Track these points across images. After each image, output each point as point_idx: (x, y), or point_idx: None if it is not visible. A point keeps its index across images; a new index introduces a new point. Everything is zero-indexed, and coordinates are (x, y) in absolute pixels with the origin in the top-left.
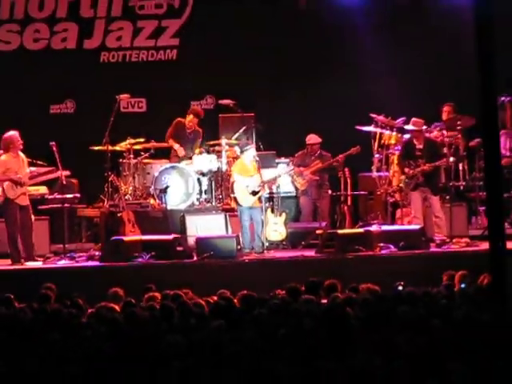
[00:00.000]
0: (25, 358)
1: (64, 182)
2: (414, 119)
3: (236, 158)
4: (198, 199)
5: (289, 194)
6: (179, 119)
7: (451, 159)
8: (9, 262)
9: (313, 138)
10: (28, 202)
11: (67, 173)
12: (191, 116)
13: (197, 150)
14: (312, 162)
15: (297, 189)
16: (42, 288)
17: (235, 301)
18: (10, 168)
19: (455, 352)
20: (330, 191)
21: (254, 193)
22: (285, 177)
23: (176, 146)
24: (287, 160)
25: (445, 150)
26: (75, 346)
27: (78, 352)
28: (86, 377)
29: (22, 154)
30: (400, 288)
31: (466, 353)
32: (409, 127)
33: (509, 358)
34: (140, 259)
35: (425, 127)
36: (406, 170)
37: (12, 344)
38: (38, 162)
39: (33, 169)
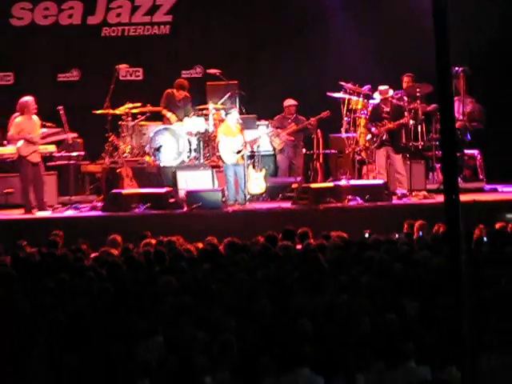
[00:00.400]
0: (39, 293)
1: (70, 142)
2: (380, 87)
3: (222, 120)
4: (188, 157)
5: (268, 153)
6: (168, 90)
7: (411, 122)
8: (22, 211)
9: (290, 101)
10: (39, 160)
11: (74, 135)
12: (179, 90)
13: (190, 114)
14: (288, 124)
15: (274, 148)
16: (51, 235)
17: (221, 247)
18: (24, 129)
19: (409, 290)
20: (304, 150)
21: (238, 151)
22: (264, 137)
23: (168, 115)
24: (266, 122)
25: (405, 114)
26: (80, 284)
27: (83, 289)
28: (91, 311)
29: (35, 117)
30: (366, 235)
31: (417, 291)
32: (377, 95)
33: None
34: (137, 209)
35: (391, 92)
36: (373, 129)
37: (28, 283)
38: (48, 124)
39: (44, 130)
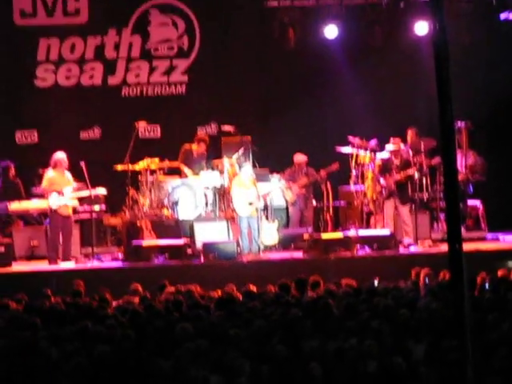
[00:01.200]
0: (63, 341)
1: (92, 197)
2: (392, 139)
3: (236, 174)
4: (204, 210)
5: (280, 205)
6: (185, 146)
7: (416, 174)
8: (46, 262)
9: (300, 157)
10: (69, 213)
11: (103, 191)
12: (201, 144)
13: (204, 169)
14: (299, 177)
15: (286, 200)
16: (74, 285)
17: (238, 295)
18: (55, 183)
19: (415, 334)
20: (314, 202)
21: (251, 204)
22: (277, 190)
23: (185, 169)
24: (278, 176)
25: (412, 166)
26: (103, 331)
27: (105, 336)
28: (113, 357)
29: (67, 173)
30: (376, 283)
31: (423, 334)
32: (390, 146)
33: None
34: (156, 260)
35: (402, 146)
36: (382, 181)
37: (53, 331)
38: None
39: (74, 185)
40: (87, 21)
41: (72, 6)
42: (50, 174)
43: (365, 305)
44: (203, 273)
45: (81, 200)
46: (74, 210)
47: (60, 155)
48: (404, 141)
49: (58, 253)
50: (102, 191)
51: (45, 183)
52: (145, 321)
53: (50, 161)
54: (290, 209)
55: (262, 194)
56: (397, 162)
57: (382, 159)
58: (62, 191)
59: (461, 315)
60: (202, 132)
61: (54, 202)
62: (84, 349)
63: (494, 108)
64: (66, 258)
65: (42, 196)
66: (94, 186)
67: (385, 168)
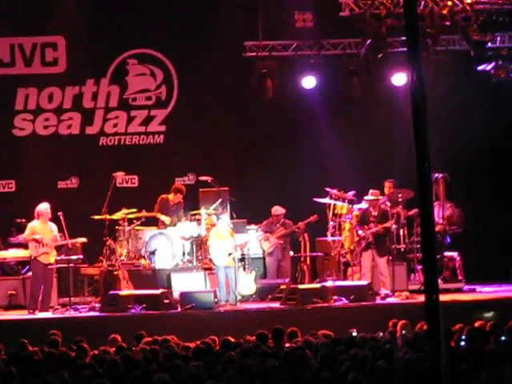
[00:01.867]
0: None
1: (70, 247)
2: (371, 191)
3: (213, 225)
4: (181, 260)
5: (257, 256)
6: (162, 196)
7: (393, 226)
8: (24, 312)
9: (278, 210)
10: (51, 261)
11: (84, 240)
12: (177, 194)
13: (182, 219)
14: (277, 228)
15: (264, 251)
16: (51, 334)
17: (215, 344)
18: (36, 232)
19: None
20: (291, 253)
21: (229, 254)
22: (254, 241)
23: (162, 218)
24: (256, 227)
25: (390, 218)
26: (80, 381)
27: None
28: None
29: (50, 223)
30: (354, 334)
31: None
32: (369, 197)
33: None
34: (133, 310)
35: (381, 198)
36: (360, 232)
37: (30, 381)
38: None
39: (57, 235)
40: (65, 70)
41: (50, 56)
42: (33, 223)
43: (342, 355)
44: (180, 322)
45: (58, 250)
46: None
47: (43, 206)
48: (382, 193)
49: (38, 302)
50: (82, 240)
51: (27, 232)
52: (122, 371)
53: (34, 211)
54: (267, 259)
55: (240, 245)
56: (375, 213)
57: (359, 209)
58: (42, 240)
59: (438, 366)
60: (179, 182)
61: (33, 249)
62: None
63: (471, 160)
64: (44, 307)
65: (20, 245)
66: (71, 235)
67: (363, 219)
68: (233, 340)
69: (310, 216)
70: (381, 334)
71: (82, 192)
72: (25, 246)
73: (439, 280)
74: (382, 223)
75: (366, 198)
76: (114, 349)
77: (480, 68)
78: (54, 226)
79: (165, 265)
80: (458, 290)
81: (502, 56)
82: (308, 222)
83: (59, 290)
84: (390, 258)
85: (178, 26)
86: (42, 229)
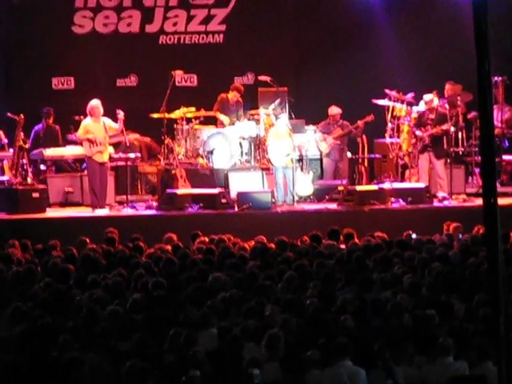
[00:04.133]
0: (98, 287)
1: (128, 144)
2: (425, 96)
3: (272, 125)
4: (239, 159)
5: (315, 157)
6: (222, 95)
7: (452, 129)
8: (80, 209)
9: (334, 110)
10: (105, 160)
11: (136, 135)
12: (234, 92)
13: (241, 119)
14: (334, 129)
15: (321, 152)
16: (108, 232)
17: (271, 244)
18: (89, 131)
19: (449, 288)
20: (349, 154)
21: (287, 154)
22: (312, 142)
23: (222, 117)
24: (314, 127)
25: (448, 121)
26: (136, 279)
27: (138, 284)
28: (146, 303)
29: (103, 119)
30: (413, 236)
31: (456, 289)
32: (427, 97)
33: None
34: (190, 209)
35: (436, 101)
36: (418, 132)
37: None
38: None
39: (110, 132)
40: None
41: None
42: (86, 121)
43: (398, 258)
44: (237, 222)
45: (116, 147)
46: (110, 157)
47: (94, 102)
48: (441, 95)
49: (96, 200)
50: (134, 137)
51: (80, 131)
52: (178, 270)
53: (86, 108)
54: (325, 160)
55: (298, 145)
56: (432, 115)
57: (417, 112)
58: (95, 140)
59: (495, 269)
60: (238, 82)
61: (87, 149)
62: (117, 297)
63: None
64: (101, 205)
65: (78, 143)
66: (129, 133)
67: (420, 121)
68: (289, 241)
69: (366, 116)
70: (437, 236)
71: (140, 90)
72: (81, 143)
73: (497, 183)
74: (439, 125)
75: (423, 100)
76: (169, 247)
77: None
78: (107, 120)
79: (223, 164)
80: None
81: None
82: (365, 121)
83: (116, 188)
84: (448, 160)
85: None
86: (95, 127)
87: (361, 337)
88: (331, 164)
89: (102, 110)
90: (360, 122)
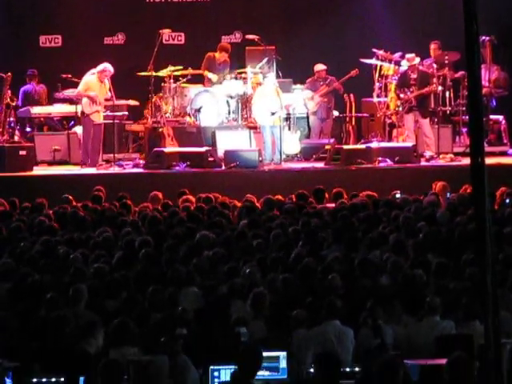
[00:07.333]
0: (83, 245)
1: (114, 103)
2: (408, 55)
3: (259, 84)
4: (226, 118)
5: (302, 115)
6: (209, 54)
7: (439, 88)
8: (67, 167)
9: (319, 66)
10: (100, 120)
11: (136, 103)
12: (222, 53)
13: (228, 77)
14: (320, 86)
15: (308, 110)
16: (95, 190)
17: (258, 204)
18: (90, 88)
19: (434, 247)
20: (336, 113)
21: (274, 113)
22: (299, 101)
23: (210, 75)
24: (301, 86)
25: (434, 80)
26: (122, 237)
27: (124, 242)
28: (132, 259)
29: (107, 82)
30: (397, 195)
31: (442, 248)
32: (404, 63)
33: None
34: (177, 167)
35: (417, 60)
36: (402, 95)
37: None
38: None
39: (109, 95)
40: None
41: None
42: (90, 78)
43: (385, 217)
44: (224, 181)
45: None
46: None
47: (105, 65)
48: (427, 55)
49: (88, 158)
50: (132, 103)
51: (82, 86)
52: (164, 228)
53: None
54: (311, 118)
55: (285, 104)
56: (414, 75)
57: (400, 72)
58: (96, 98)
59: (482, 228)
60: (225, 40)
61: (85, 106)
62: (103, 255)
63: None
64: (93, 165)
65: (65, 101)
66: (116, 92)
67: (402, 82)
68: (276, 199)
69: (350, 71)
70: (424, 196)
71: (128, 48)
72: (70, 101)
73: (484, 143)
74: (421, 86)
75: (405, 56)
76: (155, 205)
77: None
78: (107, 84)
79: (210, 122)
80: (503, 154)
81: None
82: (349, 76)
83: (104, 146)
84: (435, 119)
85: None
86: (98, 86)
87: (348, 296)
88: (317, 122)
89: (111, 73)
90: (343, 78)
